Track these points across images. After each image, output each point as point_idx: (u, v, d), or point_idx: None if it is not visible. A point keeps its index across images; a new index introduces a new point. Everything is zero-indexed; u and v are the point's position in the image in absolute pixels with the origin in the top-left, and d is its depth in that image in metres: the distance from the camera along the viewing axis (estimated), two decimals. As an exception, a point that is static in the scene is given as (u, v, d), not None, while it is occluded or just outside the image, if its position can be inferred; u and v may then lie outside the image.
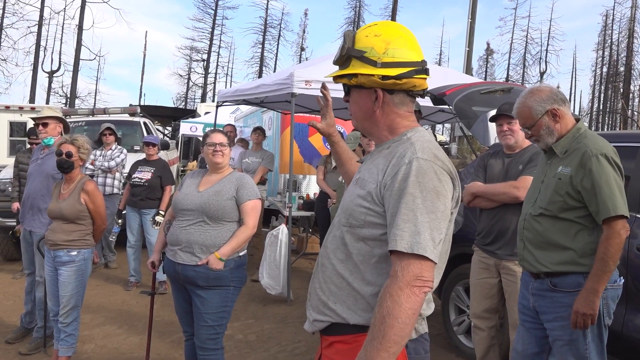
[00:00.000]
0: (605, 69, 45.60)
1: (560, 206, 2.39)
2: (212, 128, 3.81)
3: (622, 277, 2.43)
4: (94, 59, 37.05)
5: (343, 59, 1.53)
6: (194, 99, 44.43)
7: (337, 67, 1.61)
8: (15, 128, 9.94)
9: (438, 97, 4.52)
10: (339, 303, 1.48)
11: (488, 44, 47.14)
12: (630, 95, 41.27)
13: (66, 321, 3.53)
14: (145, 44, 43.85)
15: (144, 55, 44.49)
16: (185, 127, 15.88)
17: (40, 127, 4.29)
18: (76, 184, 3.62)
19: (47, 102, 31.95)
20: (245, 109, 11.29)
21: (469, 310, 3.94)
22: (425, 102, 5.01)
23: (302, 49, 45.48)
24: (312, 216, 6.70)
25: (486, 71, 46.45)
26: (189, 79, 44.43)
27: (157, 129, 12.03)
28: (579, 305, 2.28)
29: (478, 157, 3.77)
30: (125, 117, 9.60)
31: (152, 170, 5.90)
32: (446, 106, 4.76)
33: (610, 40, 44.95)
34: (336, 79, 1.57)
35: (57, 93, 35.24)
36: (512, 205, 3.10)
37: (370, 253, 1.44)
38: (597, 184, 2.26)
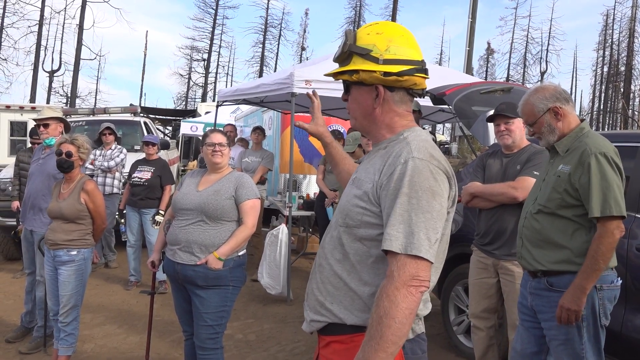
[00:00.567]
0: (605, 69, 45.59)
1: (558, 203, 2.40)
2: (212, 128, 3.81)
3: (620, 278, 2.43)
4: (95, 58, 37.12)
5: (344, 56, 1.53)
6: (195, 98, 44.44)
7: (337, 66, 1.61)
8: (16, 128, 9.94)
9: (438, 97, 4.52)
10: (336, 303, 1.48)
11: (488, 44, 47.16)
12: (631, 95, 41.24)
13: (66, 320, 3.54)
14: (146, 44, 43.84)
15: (145, 55, 44.40)
16: (186, 127, 15.88)
17: (42, 128, 4.29)
18: (76, 184, 3.63)
19: (48, 101, 32.00)
20: (245, 108, 11.29)
21: (468, 310, 3.95)
22: (425, 101, 5.01)
23: (303, 49, 45.50)
24: (312, 216, 6.71)
25: (487, 71, 46.43)
26: (189, 78, 44.46)
27: (158, 129, 12.04)
28: (565, 301, 2.30)
29: (477, 157, 3.78)
30: (126, 116, 9.61)
31: (152, 170, 5.90)
32: (446, 106, 4.76)
33: (610, 40, 44.93)
34: (337, 75, 1.57)
35: (58, 92, 35.32)
36: (511, 205, 3.10)
37: (367, 253, 1.44)
38: (593, 182, 2.27)
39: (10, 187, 6.42)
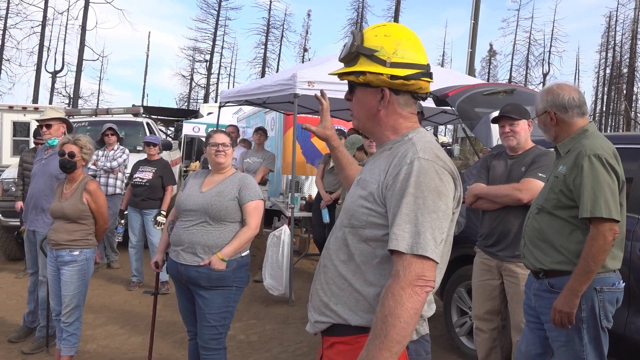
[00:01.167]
0: (608, 71, 45.51)
1: (554, 204, 2.43)
2: (215, 128, 3.82)
3: (622, 281, 2.42)
4: (97, 59, 36.93)
5: (351, 56, 1.53)
6: (197, 99, 44.50)
7: (341, 66, 1.61)
8: (19, 128, 9.94)
9: (441, 98, 4.52)
10: (340, 304, 1.48)
11: (491, 45, 47.07)
12: (634, 97, 41.19)
13: (68, 321, 3.54)
14: (148, 45, 43.91)
15: (147, 56, 44.44)
16: (188, 128, 15.89)
17: (44, 129, 4.30)
18: (78, 184, 3.63)
19: (50, 102, 32.03)
20: (247, 109, 11.29)
21: (471, 311, 3.94)
22: (428, 103, 5.00)
23: (305, 50, 45.51)
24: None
25: (489, 72, 46.39)
26: (191, 79, 44.49)
27: (160, 129, 12.05)
28: (558, 303, 2.32)
29: (481, 159, 3.77)
30: (128, 117, 9.61)
31: (153, 170, 5.91)
32: (449, 107, 4.76)
33: (613, 42, 44.85)
34: (342, 76, 1.56)
35: (60, 93, 35.37)
36: (515, 207, 3.10)
37: (372, 254, 1.44)
38: (584, 183, 2.28)
39: (13, 188, 6.43)
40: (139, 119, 9.57)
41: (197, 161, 17.27)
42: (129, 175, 6.25)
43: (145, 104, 31.66)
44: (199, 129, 15.38)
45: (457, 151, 24.27)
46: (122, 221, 6.13)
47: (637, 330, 2.85)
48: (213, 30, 43.45)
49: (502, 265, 3.20)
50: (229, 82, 45.64)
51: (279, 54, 45.57)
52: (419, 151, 1.40)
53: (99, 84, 40.23)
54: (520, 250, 2.66)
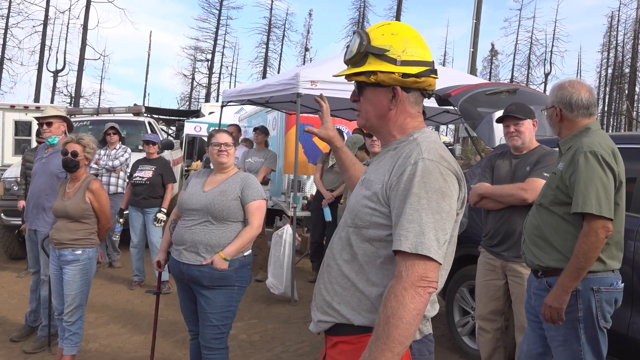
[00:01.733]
0: (610, 71, 45.42)
1: (551, 200, 2.44)
2: (217, 128, 3.82)
3: (622, 282, 2.41)
4: (99, 58, 36.93)
5: (359, 57, 1.51)
6: (198, 98, 44.47)
7: (344, 68, 1.60)
8: (20, 127, 9.95)
9: (443, 98, 4.51)
10: (344, 304, 1.48)
11: (492, 45, 46.98)
12: (636, 96, 41.10)
13: (71, 320, 3.54)
14: (150, 44, 44.07)
15: (149, 55, 44.42)
16: (190, 127, 15.89)
17: (45, 127, 4.30)
18: (81, 183, 3.64)
19: (52, 101, 32.07)
20: (249, 109, 11.29)
21: (473, 311, 3.94)
22: (430, 103, 4.99)
23: (306, 50, 45.47)
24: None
25: (490, 72, 46.32)
26: (193, 78, 44.47)
27: (161, 129, 12.05)
28: (548, 298, 2.33)
29: (485, 158, 3.76)
30: (130, 116, 9.63)
31: (153, 169, 5.91)
32: (451, 107, 4.75)
33: (615, 42, 44.76)
34: (351, 76, 1.55)
35: (62, 92, 35.36)
36: (519, 207, 3.09)
37: (375, 254, 1.44)
38: (578, 178, 2.28)
39: (15, 187, 6.43)
40: (140, 118, 9.59)
41: (199, 161, 17.27)
42: (128, 174, 6.26)
43: (146, 104, 31.71)
44: (201, 128, 15.37)
45: (458, 151, 24.25)
46: (121, 220, 6.12)
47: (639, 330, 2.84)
48: (214, 30, 43.43)
49: (507, 265, 3.19)
50: (230, 82, 45.64)
51: (281, 54, 45.56)
52: (424, 152, 1.39)
53: (101, 83, 40.34)
54: (521, 247, 2.66)
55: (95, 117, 9.47)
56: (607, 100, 45.74)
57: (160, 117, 19.94)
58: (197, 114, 21.47)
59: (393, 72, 1.47)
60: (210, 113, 17.13)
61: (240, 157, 6.84)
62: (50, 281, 3.75)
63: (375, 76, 1.49)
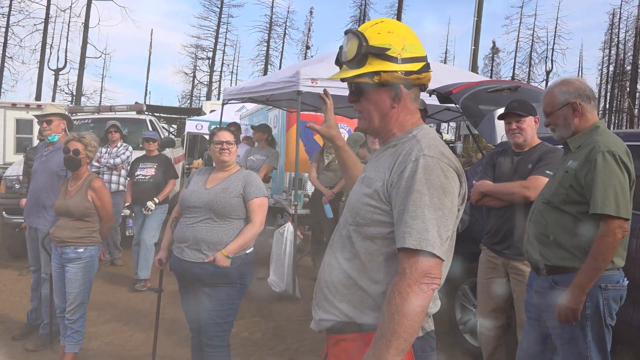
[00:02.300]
0: (611, 68, 45.30)
1: (562, 199, 2.40)
2: (218, 126, 3.81)
3: (626, 279, 2.41)
4: (100, 56, 36.87)
5: (359, 58, 1.48)
6: (199, 96, 44.44)
7: (340, 69, 1.58)
8: (22, 125, 9.95)
9: (444, 96, 4.49)
10: (345, 302, 1.48)
11: (494, 43, 46.83)
12: (637, 94, 41.00)
13: (73, 318, 3.55)
14: (151, 42, 43.85)
15: (150, 53, 44.36)
16: (191, 125, 15.88)
17: (44, 125, 4.30)
18: (83, 181, 3.64)
19: (53, 99, 32.03)
20: (250, 107, 11.28)
21: (474, 309, 3.93)
22: (431, 100, 4.99)
23: (308, 48, 45.38)
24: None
25: (492, 69, 46.18)
26: (194, 76, 44.42)
27: (163, 127, 12.05)
28: (564, 299, 2.31)
29: (486, 155, 3.75)
30: (131, 114, 9.62)
31: (155, 166, 5.91)
32: (452, 104, 4.74)
33: (617, 39, 44.60)
34: (354, 79, 1.50)
35: (63, 91, 35.33)
36: (521, 204, 3.08)
37: (377, 251, 1.44)
38: (597, 179, 2.26)
39: (16, 185, 6.44)
40: (142, 117, 9.59)
41: (200, 159, 17.27)
42: (129, 172, 6.25)
43: (147, 102, 31.68)
44: (202, 126, 15.35)
45: (460, 148, 24.21)
46: (133, 214, 6.09)
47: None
48: (215, 28, 43.36)
49: (509, 263, 3.18)
50: (231, 80, 45.56)
51: (282, 52, 45.48)
52: (424, 148, 1.39)
53: (102, 82, 40.20)
54: (524, 245, 2.64)
55: (96, 115, 9.46)
56: (608, 98, 45.64)
57: (162, 115, 19.93)
58: (198, 112, 21.46)
59: (396, 71, 1.46)
60: (212, 111, 17.11)
61: (242, 156, 6.84)
62: (52, 279, 3.75)
63: (379, 76, 1.47)
